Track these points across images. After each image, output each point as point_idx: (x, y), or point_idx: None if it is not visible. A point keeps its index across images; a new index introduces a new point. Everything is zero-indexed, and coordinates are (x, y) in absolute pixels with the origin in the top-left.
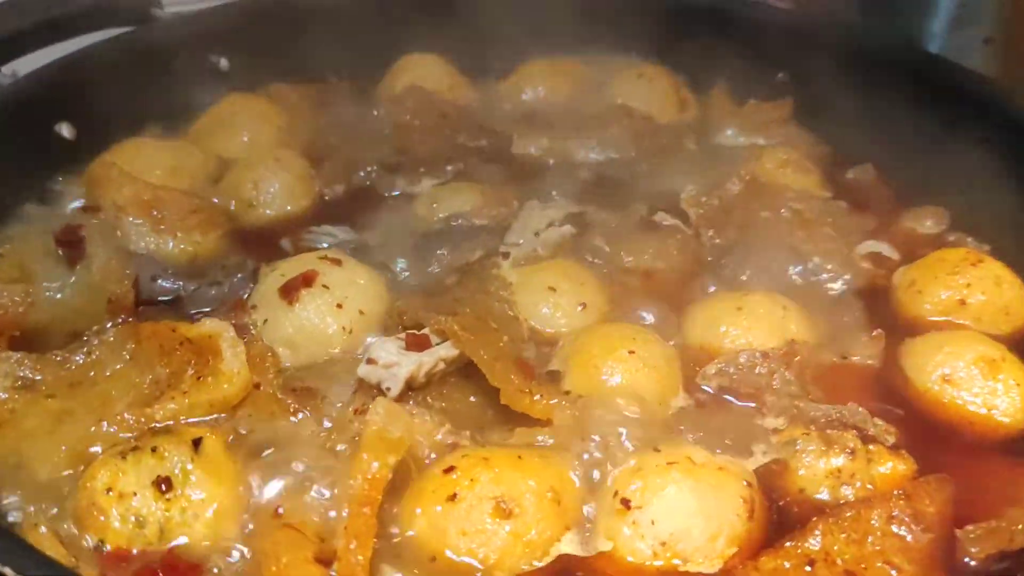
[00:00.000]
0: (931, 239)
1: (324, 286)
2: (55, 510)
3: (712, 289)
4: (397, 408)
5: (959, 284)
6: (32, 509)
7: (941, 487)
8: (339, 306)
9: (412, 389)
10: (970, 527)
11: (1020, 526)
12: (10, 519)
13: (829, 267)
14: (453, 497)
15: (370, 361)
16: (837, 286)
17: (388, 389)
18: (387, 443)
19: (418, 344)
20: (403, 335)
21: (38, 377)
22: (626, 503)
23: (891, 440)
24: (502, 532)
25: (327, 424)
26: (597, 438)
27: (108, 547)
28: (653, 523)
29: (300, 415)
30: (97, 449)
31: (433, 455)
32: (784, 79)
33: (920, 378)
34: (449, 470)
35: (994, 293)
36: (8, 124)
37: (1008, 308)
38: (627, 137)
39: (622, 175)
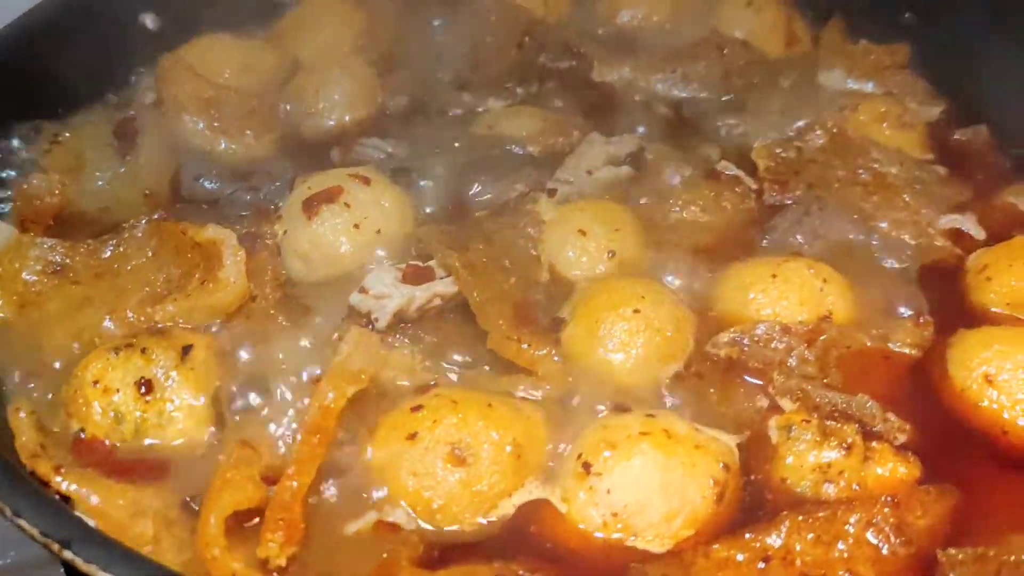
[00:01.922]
0: None
1: (346, 204)
2: (50, 394)
3: (757, 251)
4: (367, 340)
5: None
6: (20, 389)
7: (940, 499)
8: (356, 226)
9: (404, 322)
10: (954, 550)
11: (1013, 557)
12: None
13: (897, 239)
14: (413, 436)
15: (362, 290)
16: (901, 262)
17: (376, 320)
18: (347, 374)
19: (416, 277)
20: (403, 266)
21: (68, 262)
22: (587, 467)
23: (901, 439)
24: (451, 479)
25: (310, 346)
26: (579, 396)
27: (85, 435)
28: (609, 492)
29: (288, 334)
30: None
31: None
32: (911, 20)
33: (961, 375)
34: (417, 408)
35: None
36: (94, 11)
37: None
38: (716, 72)
39: (701, 114)
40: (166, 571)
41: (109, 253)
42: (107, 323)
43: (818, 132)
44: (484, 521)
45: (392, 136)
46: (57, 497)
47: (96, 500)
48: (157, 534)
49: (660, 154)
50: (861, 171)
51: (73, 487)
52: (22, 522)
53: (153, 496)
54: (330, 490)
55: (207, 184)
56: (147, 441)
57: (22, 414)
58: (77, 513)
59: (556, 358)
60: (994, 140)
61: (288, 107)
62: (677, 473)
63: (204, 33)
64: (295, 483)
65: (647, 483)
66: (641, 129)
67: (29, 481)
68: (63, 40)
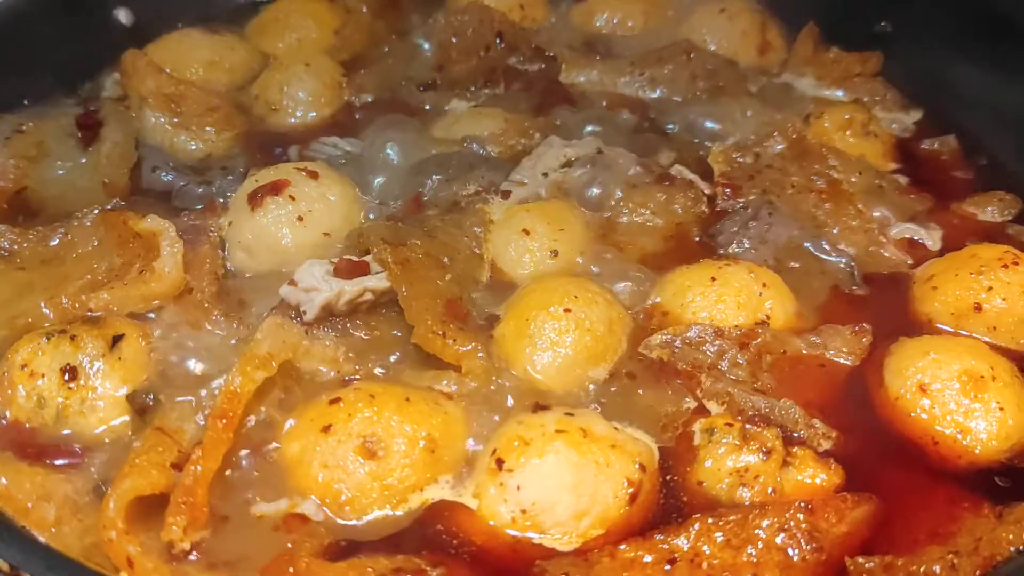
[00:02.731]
0: (987, 229)
1: (291, 197)
2: None
3: (702, 255)
4: (282, 329)
5: (980, 286)
6: None
7: (857, 506)
8: (300, 219)
9: (333, 315)
10: (862, 558)
11: (923, 568)
12: None
13: (845, 248)
14: (328, 428)
15: (292, 282)
16: (847, 269)
17: (304, 312)
18: (257, 360)
19: (349, 271)
20: (336, 260)
21: (16, 248)
22: (500, 463)
23: (825, 446)
24: (360, 472)
25: (240, 337)
26: (504, 393)
27: (7, 418)
28: (519, 489)
29: (221, 326)
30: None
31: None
32: (885, 29)
33: (895, 383)
34: (335, 401)
35: (1018, 302)
36: (70, 4)
37: None
38: (682, 76)
39: (665, 117)
40: (44, 549)
41: (57, 241)
42: (44, 308)
43: (777, 137)
44: (392, 514)
45: (353, 134)
46: None
47: (4, 482)
48: (60, 518)
49: (617, 157)
50: (816, 178)
51: None
52: None
53: (64, 481)
54: (241, 476)
55: (164, 176)
56: (67, 427)
57: None
58: None
59: (481, 355)
60: (962, 150)
61: (252, 103)
62: (590, 472)
63: (175, 29)
64: (199, 467)
65: (558, 481)
66: (602, 132)
67: None
68: (37, 32)
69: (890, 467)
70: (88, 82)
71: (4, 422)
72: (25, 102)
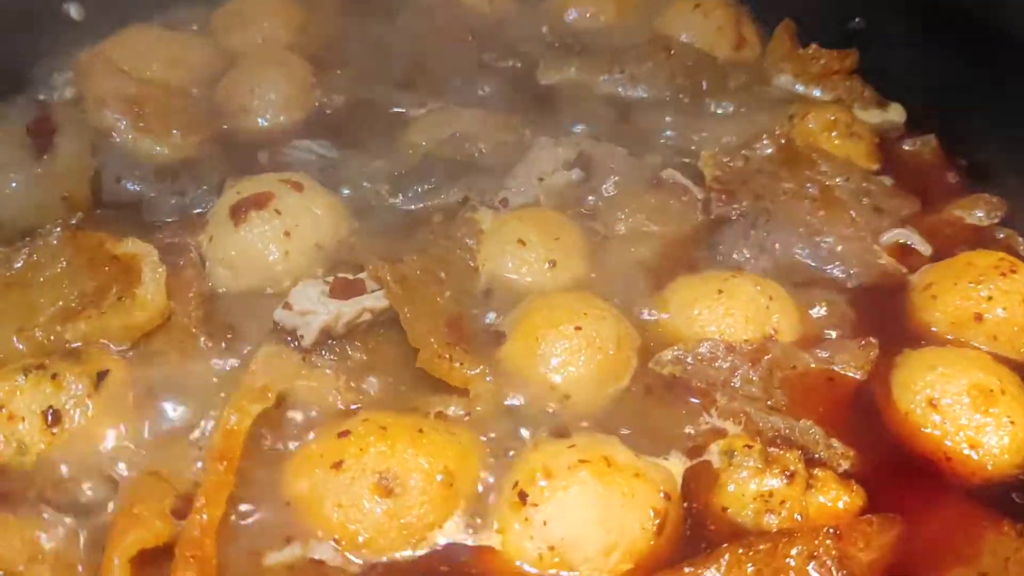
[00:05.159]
0: (976, 233)
1: (276, 211)
2: None
3: (702, 264)
4: (279, 358)
5: (979, 295)
6: None
7: (883, 530)
8: (287, 234)
9: (332, 338)
10: None
11: None
12: None
13: (843, 255)
14: (339, 465)
15: (286, 306)
16: (848, 278)
17: (302, 337)
18: (252, 393)
19: (345, 291)
20: (331, 279)
21: None
22: (523, 497)
23: (844, 466)
24: (377, 511)
25: (230, 366)
26: (515, 417)
27: None
28: (545, 524)
29: (210, 354)
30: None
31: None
32: (860, 26)
33: (904, 398)
34: (344, 434)
35: (1018, 311)
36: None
37: None
38: (662, 74)
39: (647, 118)
40: None
41: (21, 263)
42: (16, 343)
43: (766, 141)
44: (413, 554)
45: (327, 138)
46: None
47: None
48: None
49: (608, 158)
50: (808, 184)
51: None
52: None
53: (54, 533)
54: (248, 521)
55: (130, 186)
56: (49, 473)
57: None
58: None
59: (489, 378)
60: (943, 150)
61: (220, 105)
62: (616, 504)
63: (132, 24)
64: (204, 516)
65: (585, 515)
66: (587, 133)
67: None
68: None
69: (906, 485)
70: (35, 86)
71: None
72: None
